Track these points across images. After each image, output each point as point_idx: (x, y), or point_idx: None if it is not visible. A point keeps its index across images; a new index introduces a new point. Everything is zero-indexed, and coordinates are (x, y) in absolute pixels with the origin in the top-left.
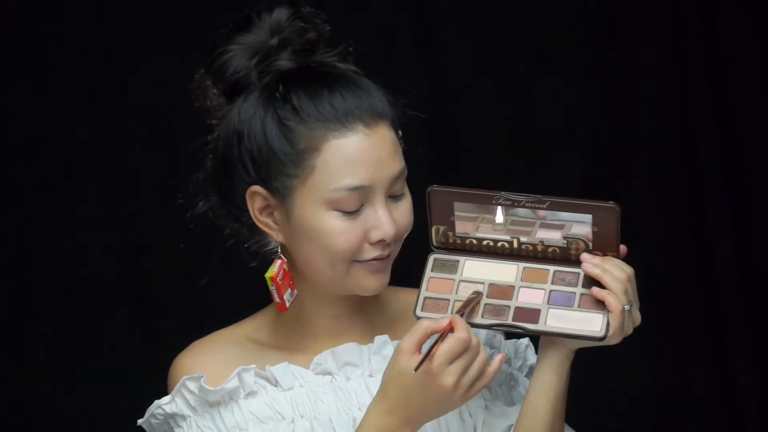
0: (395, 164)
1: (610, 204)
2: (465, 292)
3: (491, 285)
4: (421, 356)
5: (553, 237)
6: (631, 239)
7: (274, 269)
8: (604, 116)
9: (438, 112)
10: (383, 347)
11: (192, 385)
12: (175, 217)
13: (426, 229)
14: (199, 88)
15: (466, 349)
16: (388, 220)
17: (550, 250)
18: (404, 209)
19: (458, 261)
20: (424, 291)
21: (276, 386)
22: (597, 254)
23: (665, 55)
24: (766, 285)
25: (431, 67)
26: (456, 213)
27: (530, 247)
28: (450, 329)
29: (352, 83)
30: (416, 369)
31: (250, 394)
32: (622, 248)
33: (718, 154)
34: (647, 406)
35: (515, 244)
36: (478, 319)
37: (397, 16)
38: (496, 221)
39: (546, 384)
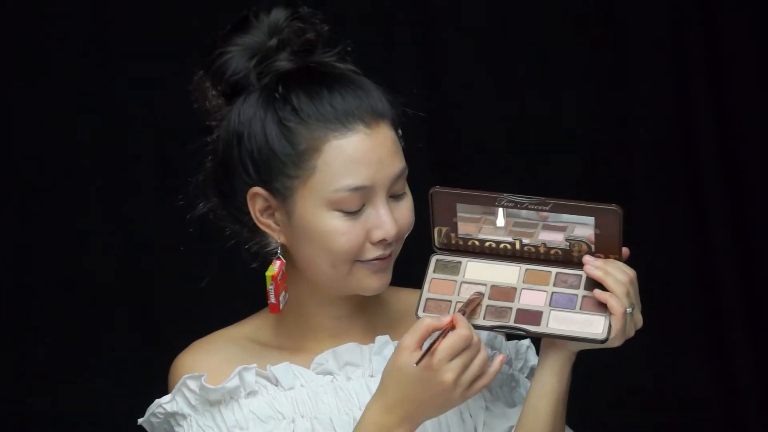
0: (396, 164)
1: (613, 207)
2: (467, 294)
3: (493, 286)
4: (422, 353)
5: (555, 239)
6: (631, 239)
7: (275, 269)
8: (604, 116)
9: (438, 111)
10: (384, 347)
11: (193, 384)
12: (175, 217)
13: (427, 229)
14: (198, 89)
15: (467, 347)
16: (390, 219)
17: (552, 252)
18: (405, 208)
19: (460, 262)
20: (426, 292)
21: (277, 386)
22: (599, 256)
23: (665, 55)
24: (766, 285)
25: (431, 66)
26: (458, 214)
27: (532, 249)
28: (451, 327)
29: (351, 83)
30: (417, 363)
31: (251, 393)
32: (625, 251)
33: (718, 154)
34: (647, 407)
35: (517, 246)
36: (479, 321)
37: (396, 16)
38: (498, 224)
39: (547, 386)
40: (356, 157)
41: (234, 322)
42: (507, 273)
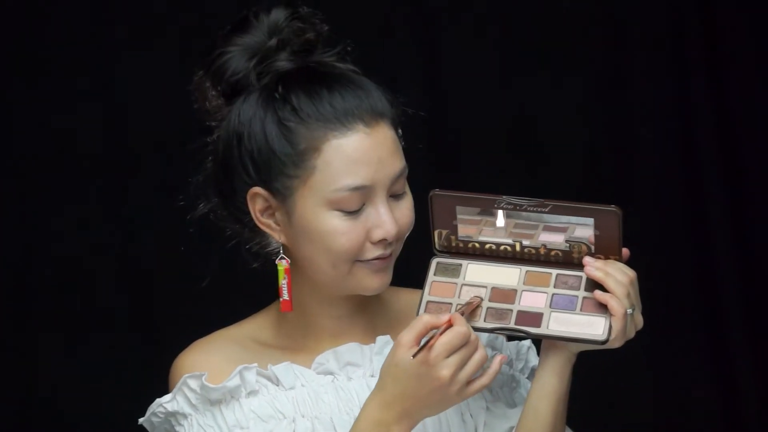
0: (396, 163)
1: (613, 208)
2: (467, 296)
3: (494, 288)
4: (418, 348)
5: (555, 240)
6: (631, 239)
7: (285, 264)
8: (604, 116)
9: (437, 111)
10: (385, 347)
11: (193, 383)
12: (176, 217)
13: (427, 231)
14: (198, 89)
15: (464, 344)
16: (390, 219)
17: (552, 253)
18: (405, 208)
19: (461, 265)
20: (427, 294)
21: (277, 385)
22: (599, 258)
23: (665, 55)
24: (766, 285)
25: (431, 66)
26: (458, 217)
27: (533, 251)
28: (449, 325)
29: (351, 83)
30: (414, 356)
31: (252, 392)
32: (625, 252)
33: (718, 154)
34: (647, 407)
35: (518, 248)
36: (480, 323)
37: (396, 16)
38: (497, 225)
39: (547, 387)
40: (356, 156)
41: (234, 322)
42: (507, 275)
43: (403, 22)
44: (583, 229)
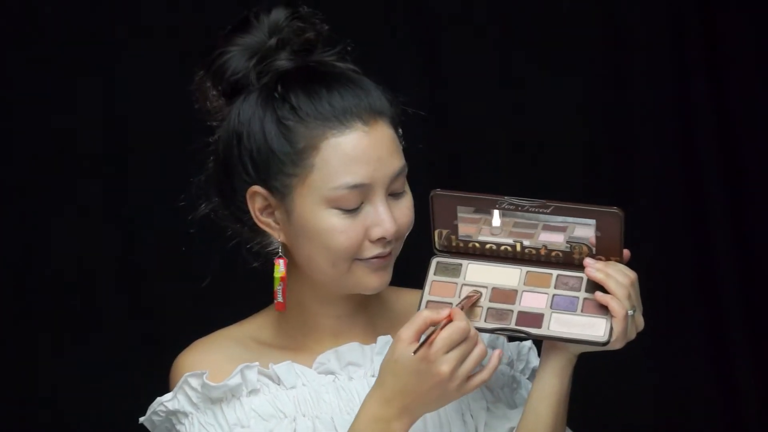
0: (395, 162)
1: (614, 209)
2: None
3: (494, 289)
4: (419, 344)
5: (556, 240)
6: (631, 240)
7: (281, 269)
8: (603, 116)
9: (437, 111)
10: (386, 347)
11: (194, 382)
12: (176, 217)
13: (427, 231)
14: (198, 89)
15: (464, 339)
16: (389, 217)
17: (553, 254)
18: (405, 207)
19: (461, 264)
20: (427, 294)
21: (279, 384)
22: (600, 259)
23: (665, 55)
24: (766, 285)
25: (431, 66)
26: (459, 216)
27: (533, 251)
28: (449, 320)
29: (350, 82)
30: (415, 352)
31: (253, 391)
32: (626, 253)
33: (718, 154)
34: (647, 407)
35: (518, 248)
36: (481, 323)
37: (396, 16)
38: (493, 224)
39: (548, 388)
40: (354, 154)
41: (234, 322)
42: (508, 275)
43: (403, 22)
44: (584, 230)
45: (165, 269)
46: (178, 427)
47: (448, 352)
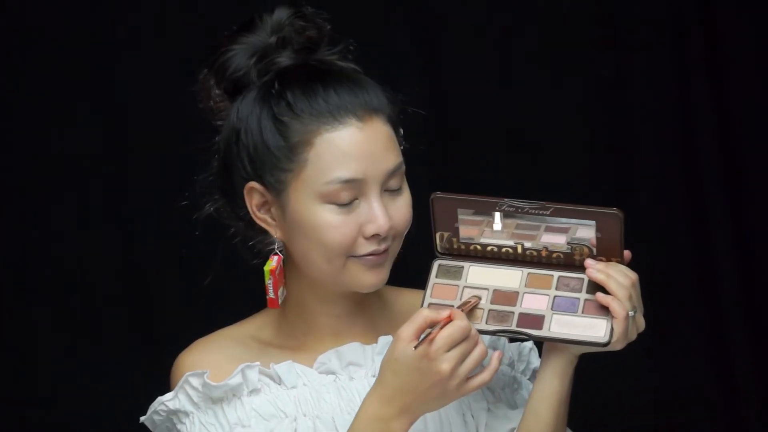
0: (390, 159)
1: (614, 210)
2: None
3: (495, 291)
4: (419, 341)
5: (557, 242)
6: (631, 240)
7: (272, 263)
8: (603, 116)
9: (438, 111)
10: (387, 347)
11: (195, 381)
12: (176, 217)
13: (428, 231)
14: (202, 88)
15: (465, 338)
16: (383, 214)
17: (554, 255)
18: (402, 205)
19: (462, 267)
20: (429, 297)
21: (279, 384)
22: (601, 260)
23: (665, 55)
24: (766, 285)
25: (431, 66)
26: (460, 219)
27: (534, 253)
28: (450, 320)
29: (348, 80)
30: (416, 348)
31: (254, 391)
32: (627, 254)
33: (718, 154)
34: (647, 407)
35: (519, 250)
36: (482, 325)
37: (396, 16)
38: (495, 228)
39: (549, 389)
40: (347, 150)
41: (234, 322)
42: (509, 277)
43: (403, 22)
44: (585, 231)
45: (165, 269)
46: (178, 426)
47: (448, 350)
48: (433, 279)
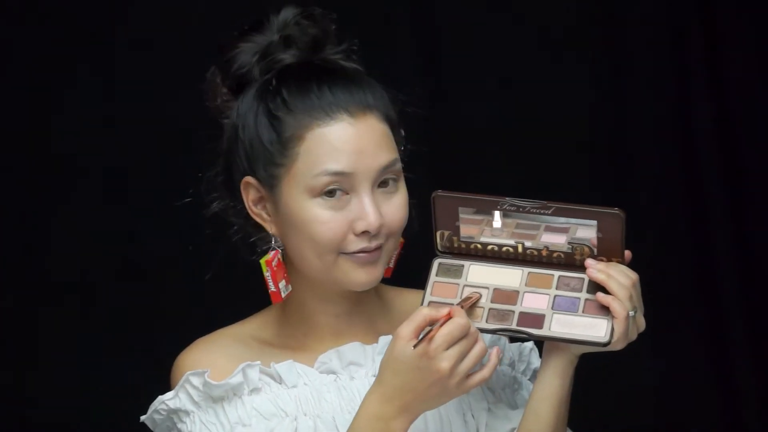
0: (382, 155)
1: (615, 210)
2: None
3: (496, 290)
4: (418, 340)
5: (558, 241)
6: (631, 240)
7: (269, 256)
8: (604, 116)
9: (438, 111)
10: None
11: (196, 381)
12: (176, 216)
13: (428, 231)
14: (210, 87)
15: (464, 336)
16: (373, 210)
17: (554, 255)
18: (396, 204)
19: (463, 266)
20: (429, 295)
21: (280, 383)
22: (602, 259)
23: (665, 55)
24: (766, 285)
25: (431, 66)
26: (461, 217)
27: (535, 252)
28: (449, 318)
29: (346, 78)
30: (415, 346)
31: (255, 390)
32: (627, 254)
33: (718, 154)
34: (647, 407)
35: (520, 249)
36: (482, 324)
37: (396, 16)
38: (494, 226)
39: (549, 389)
40: (337, 144)
41: (235, 321)
42: (509, 276)
43: (404, 22)
44: (586, 231)
45: (165, 269)
46: (179, 425)
47: (447, 348)
48: (433, 277)
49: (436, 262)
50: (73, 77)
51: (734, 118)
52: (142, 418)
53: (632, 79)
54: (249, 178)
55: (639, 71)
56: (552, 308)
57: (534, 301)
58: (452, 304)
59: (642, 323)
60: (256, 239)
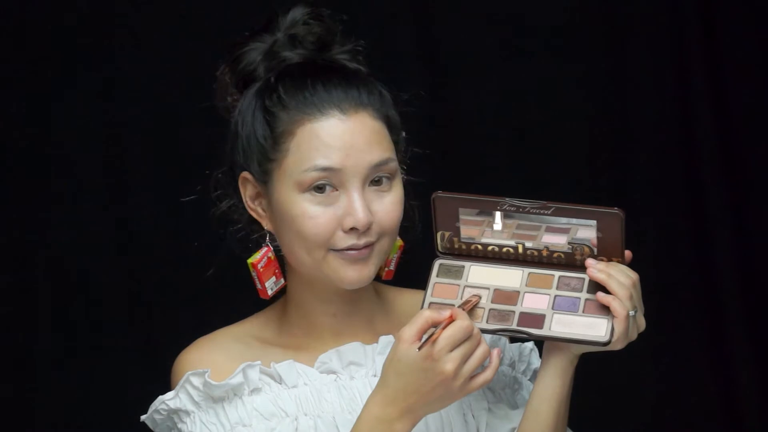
0: (374, 153)
1: (615, 210)
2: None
3: (496, 290)
4: (422, 342)
5: (558, 242)
6: (631, 239)
7: (257, 256)
8: (604, 116)
9: (438, 111)
10: (388, 347)
11: (196, 381)
12: (176, 216)
13: (428, 232)
14: (220, 85)
15: (467, 338)
16: (362, 208)
17: (555, 255)
18: (388, 202)
19: (463, 266)
20: (429, 296)
21: (280, 383)
22: (602, 259)
23: (665, 54)
24: (766, 285)
25: (431, 66)
26: (461, 218)
27: (535, 253)
28: (451, 320)
29: (344, 76)
30: (420, 348)
31: (255, 390)
32: (627, 254)
33: (718, 154)
34: (647, 407)
35: (520, 250)
36: (482, 324)
37: (396, 15)
38: (495, 228)
39: (549, 389)
40: (327, 140)
41: (235, 321)
42: (510, 276)
43: (404, 21)
44: (586, 231)
45: (165, 269)
46: (179, 425)
47: (451, 350)
48: (434, 278)
49: (436, 263)
50: (73, 76)
51: (734, 118)
52: (143, 417)
53: (632, 79)
54: (246, 174)
55: (639, 71)
56: (552, 308)
57: (534, 302)
58: (453, 305)
59: (642, 323)
60: (257, 237)
